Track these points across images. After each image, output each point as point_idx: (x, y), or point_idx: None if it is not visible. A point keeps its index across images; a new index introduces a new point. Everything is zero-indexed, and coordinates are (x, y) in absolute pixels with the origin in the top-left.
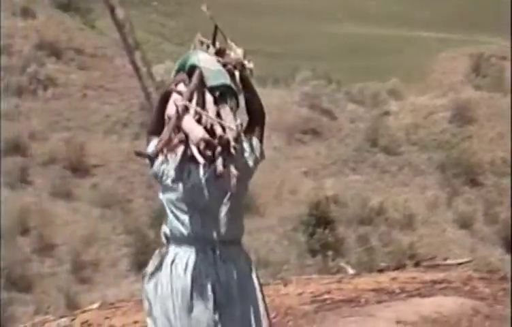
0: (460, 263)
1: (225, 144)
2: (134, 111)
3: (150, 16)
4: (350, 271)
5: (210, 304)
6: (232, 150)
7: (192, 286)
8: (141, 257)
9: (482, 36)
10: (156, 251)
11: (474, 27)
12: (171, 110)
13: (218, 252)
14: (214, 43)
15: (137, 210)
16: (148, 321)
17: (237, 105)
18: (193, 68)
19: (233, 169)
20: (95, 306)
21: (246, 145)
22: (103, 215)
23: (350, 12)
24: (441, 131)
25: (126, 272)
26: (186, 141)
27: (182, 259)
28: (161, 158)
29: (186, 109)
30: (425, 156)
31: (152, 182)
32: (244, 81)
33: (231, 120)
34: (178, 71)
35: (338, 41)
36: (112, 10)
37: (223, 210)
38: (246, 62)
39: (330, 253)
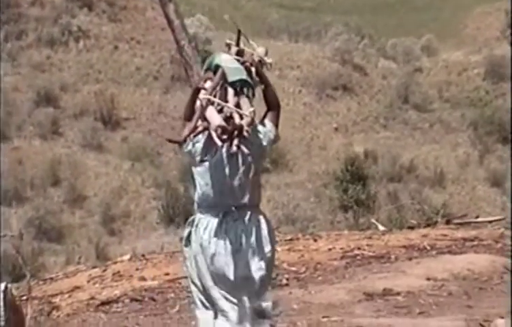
0: (491, 221)
1: (239, 129)
2: (165, 64)
3: None
4: (381, 228)
5: (220, 252)
6: (245, 134)
7: (210, 242)
8: (171, 210)
9: None
10: (190, 219)
11: None
12: (198, 102)
13: (232, 216)
14: (238, 44)
15: (167, 164)
16: (188, 278)
17: (253, 95)
18: (217, 67)
19: (244, 149)
20: (126, 257)
21: (260, 128)
22: (133, 168)
23: None
24: (474, 89)
25: (155, 224)
26: (219, 128)
27: (203, 222)
28: (191, 140)
29: (209, 102)
30: (457, 113)
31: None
32: (261, 76)
33: (248, 109)
34: (207, 70)
35: None
36: None
37: (237, 182)
38: (265, 58)
39: (361, 209)
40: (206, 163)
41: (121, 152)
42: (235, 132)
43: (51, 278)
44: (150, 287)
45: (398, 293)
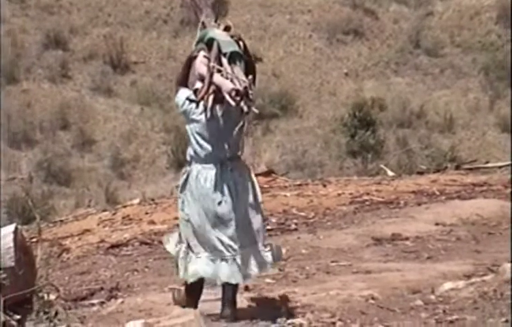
0: (501, 167)
1: (246, 91)
2: (174, 7)
3: None
4: (390, 173)
5: (225, 199)
6: (250, 96)
7: (211, 190)
8: (180, 155)
9: None
10: (183, 169)
11: None
12: (200, 69)
13: (227, 166)
14: (216, 21)
15: (176, 108)
16: (182, 222)
17: (243, 64)
18: (212, 40)
19: (244, 107)
20: (136, 201)
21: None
22: (143, 113)
23: None
24: (486, 33)
25: (165, 169)
26: (216, 91)
27: (203, 173)
28: (187, 100)
29: (215, 68)
30: (468, 58)
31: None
32: (246, 48)
33: (243, 76)
34: (198, 42)
35: None
36: None
37: (229, 137)
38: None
39: (370, 155)
40: (203, 120)
41: (130, 96)
42: (240, 93)
43: (61, 221)
44: (160, 231)
45: (407, 238)
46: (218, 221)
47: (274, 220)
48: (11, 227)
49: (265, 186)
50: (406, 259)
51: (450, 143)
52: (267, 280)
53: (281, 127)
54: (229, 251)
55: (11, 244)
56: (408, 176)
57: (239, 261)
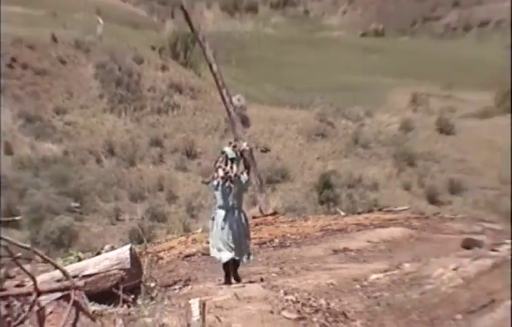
0: (402, 210)
1: (229, 177)
2: (221, 121)
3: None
4: (342, 213)
5: (232, 227)
6: (232, 179)
7: (224, 223)
8: None
9: None
10: (212, 214)
11: None
12: (215, 166)
13: (232, 211)
14: (235, 144)
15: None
16: (211, 236)
17: (238, 163)
18: (224, 152)
19: (232, 184)
20: (199, 230)
21: (241, 177)
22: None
23: None
24: (393, 135)
25: None
26: (221, 176)
27: (221, 215)
28: (212, 181)
29: (219, 166)
30: (385, 149)
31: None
32: (244, 157)
33: (234, 170)
34: (222, 152)
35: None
36: (210, 66)
37: (233, 196)
38: (246, 148)
39: (331, 203)
40: (219, 189)
41: (196, 171)
42: (228, 178)
43: (158, 242)
44: None
45: (351, 250)
46: (221, 240)
47: (277, 240)
48: (128, 246)
49: (272, 221)
50: (351, 261)
51: (375, 196)
52: (273, 274)
53: (281, 188)
54: (231, 248)
55: (128, 255)
56: (352, 215)
57: (234, 253)
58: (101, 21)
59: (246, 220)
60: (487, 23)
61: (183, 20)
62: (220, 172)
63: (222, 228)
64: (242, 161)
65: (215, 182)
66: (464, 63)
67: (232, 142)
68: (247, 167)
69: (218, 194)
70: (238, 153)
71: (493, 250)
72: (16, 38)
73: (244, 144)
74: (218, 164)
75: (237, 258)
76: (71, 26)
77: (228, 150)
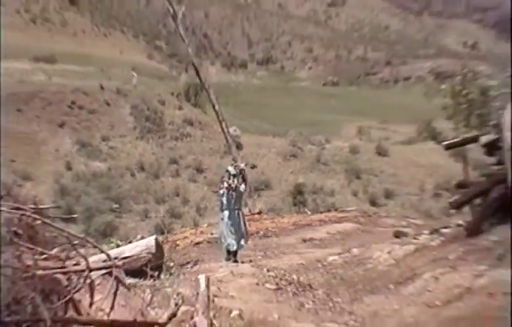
0: (352, 210)
1: (233, 188)
2: (221, 146)
3: (227, 110)
4: (309, 213)
5: (234, 222)
6: (234, 188)
7: (229, 220)
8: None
9: None
10: (220, 214)
11: None
12: (220, 180)
13: (235, 211)
14: (236, 165)
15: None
16: (220, 227)
17: (239, 179)
18: (227, 171)
19: (233, 193)
20: (205, 225)
21: (241, 187)
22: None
23: None
24: (365, 163)
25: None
26: (226, 186)
27: (225, 214)
28: (220, 191)
29: (225, 181)
30: (341, 166)
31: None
32: (243, 175)
33: (235, 183)
34: (226, 171)
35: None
36: (213, 106)
37: (235, 201)
38: (244, 167)
39: (301, 205)
40: (225, 196)
41: (203, 183)
42: (231, 189)
43: (175, 234)
44: (214, 238)
45: (315, 239)
46: (228, 231)
47: (261, 232)
48: (153, 236)
49: (258, 218)
50: (315, 247)
51: (333, 200)
52: (259, 257)
53: (265, 194)
54: (234, 236)
55: (154, 243)
56: (316, 214)
57: (235, 241)
58: (135, 74)
59: (244, 217)
60: (410, 78)
61: (194, 74)
62: (225, 184)
63: (227, 224)
64: (240, 176)
65: (221, 192)
66: (394, 105)
67: (233, 163)
68: (245, 181)
69: (224, 200)
70: (238, 170)
71: (415, 238)
72: (75, 87)
73: (242, 165)
74: (224, 178)
75: (241, 243)
76: (114, 78)
77: (231, 169)
